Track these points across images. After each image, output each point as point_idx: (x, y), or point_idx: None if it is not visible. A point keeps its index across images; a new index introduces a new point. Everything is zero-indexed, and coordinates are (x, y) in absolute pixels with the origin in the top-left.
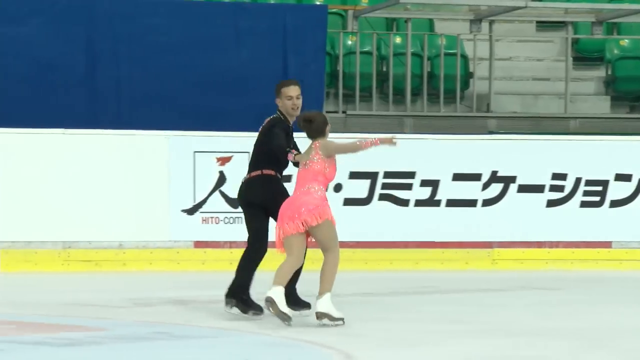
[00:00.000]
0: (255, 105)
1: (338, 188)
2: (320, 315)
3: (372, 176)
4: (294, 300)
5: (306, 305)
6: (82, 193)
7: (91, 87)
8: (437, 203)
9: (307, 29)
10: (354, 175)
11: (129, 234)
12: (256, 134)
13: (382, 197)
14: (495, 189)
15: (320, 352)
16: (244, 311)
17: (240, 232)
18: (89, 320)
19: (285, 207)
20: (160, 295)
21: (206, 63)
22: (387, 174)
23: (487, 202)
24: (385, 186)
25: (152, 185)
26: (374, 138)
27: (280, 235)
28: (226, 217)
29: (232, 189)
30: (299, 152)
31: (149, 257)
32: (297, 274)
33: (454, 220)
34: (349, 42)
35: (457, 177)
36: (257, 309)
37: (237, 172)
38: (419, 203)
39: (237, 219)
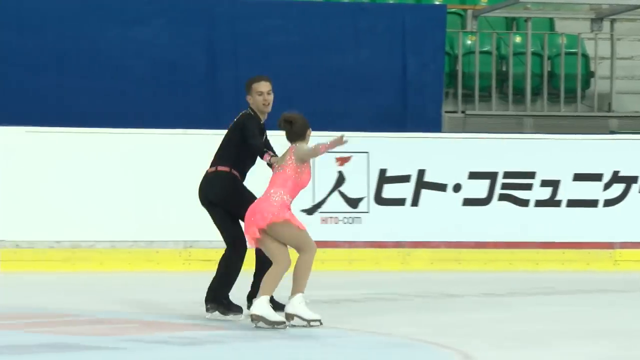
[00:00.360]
0: (374, 105)
1: (457, 188)
2: (289, 317)
3: (491, 176)
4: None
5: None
6: None
7: (211, 88)
8: (557, 203)
9: (426, 28)
10: (473, 175)
11: None
12: (376, 134)
13: (502, 198)
14: (617, 189)
15: (440, 353)
16: (225, 313)
17: (359, 232)
18: (211, 320)
19: (247, 215)
20: (280, 294)
21: (325, 63)
22: (507, 174)
23: (609, 203)
24: (505, 186)
25: None
26: (327, 142)
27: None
28: (345, 217)
29: (352, 189)
30: (273, 152)
31: None
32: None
33: (575, 221)
34: (468, 42)
35: (578, 177)
36: (237, 310)
37: (357, 173)
38: (539, 203)
39: (356, 219)
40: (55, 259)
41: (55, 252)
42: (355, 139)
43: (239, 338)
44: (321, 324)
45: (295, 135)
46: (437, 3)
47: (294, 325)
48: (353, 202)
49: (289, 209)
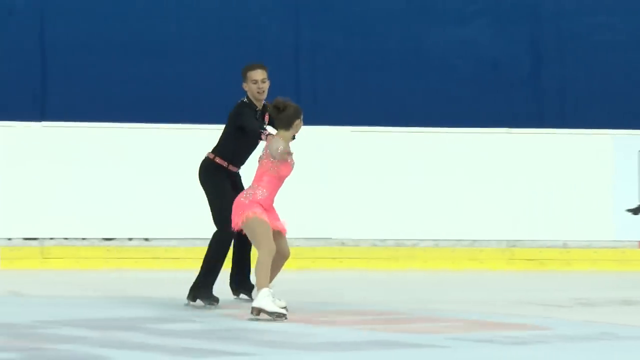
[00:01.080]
0: None
1: None
2: (254, 310)
3: None
4: (246, 286)
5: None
6: (524, 192)
7: (535, 86)
8: None
9: None
10: None
11: (573, 233)
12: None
13: None
14: None
15: None
16: (210, 303)
17: None
18: (534, 319)
19: (233, 206)
20: (605, 295)
21: None
22: None
23: None
24: None
25: (596, 185)
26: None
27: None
28: None
29: None
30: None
31: (593, 257)
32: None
33: None
34: None
35: None
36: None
37: None
38: None
39: None
40: (382, 257)
41: (383, 250)
42: None
43: (563, 339)
44: (286, 318)
45: (281, 122)
46: None
47: (258, 319)
48: None
49: (260, 205)
